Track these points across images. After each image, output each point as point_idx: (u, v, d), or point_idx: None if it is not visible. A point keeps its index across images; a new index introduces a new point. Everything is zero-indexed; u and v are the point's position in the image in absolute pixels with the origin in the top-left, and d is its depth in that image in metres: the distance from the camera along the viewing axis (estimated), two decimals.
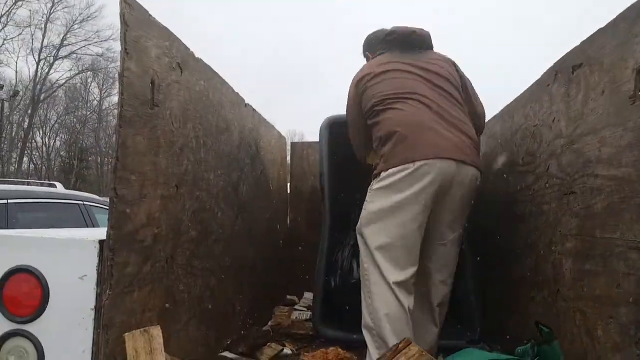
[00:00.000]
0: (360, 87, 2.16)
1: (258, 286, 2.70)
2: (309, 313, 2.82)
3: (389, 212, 1.90)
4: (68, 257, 1.28)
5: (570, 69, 1.49)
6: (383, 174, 1.93)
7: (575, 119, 1.46)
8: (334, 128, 2.62)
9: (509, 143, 2.21)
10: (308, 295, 3.24)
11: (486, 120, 2.61)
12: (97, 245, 1.25)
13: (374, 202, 1.95)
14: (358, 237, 1.99)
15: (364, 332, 1.90)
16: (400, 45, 2.22)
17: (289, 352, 2.25)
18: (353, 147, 2.31)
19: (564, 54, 1.58)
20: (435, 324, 2.01)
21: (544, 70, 1.78)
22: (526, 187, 1.94)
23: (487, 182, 2.46)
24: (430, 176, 1.85)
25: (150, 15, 1.43)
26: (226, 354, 1.90)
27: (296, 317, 2.83)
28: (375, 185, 1.97)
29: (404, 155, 1.90)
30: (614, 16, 1.26)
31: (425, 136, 1.91)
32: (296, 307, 3.10)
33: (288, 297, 3.28)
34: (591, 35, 1.37)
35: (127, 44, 1.28)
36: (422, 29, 2.25)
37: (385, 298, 1.84)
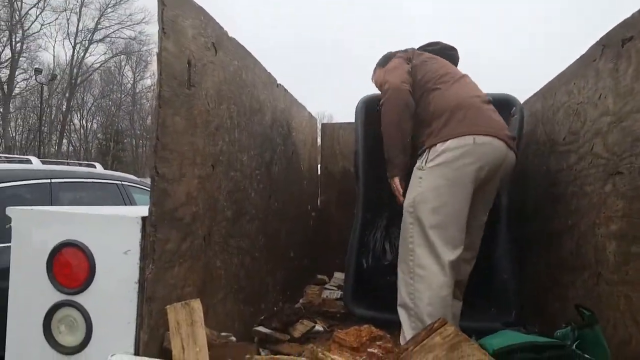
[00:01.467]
0: (411, 61, 2.16)
1: (290, 265, 2.73)
2: (340, 292, 2.84)
3: (446, 190, 1.87)
4: (113, 232, 1.32)
5: (619, 43, 1.41)
6: (439, 147, 1.89)
7: (624, 96, 1.39)
8: (369, 108, 2.59)
9: (550, 121, 2.13)
10: (338, 275, 3.27)
11: (526, 98, 2.54)
12: (140, 222, 1.29)
13: (429, 180, 1.91)
14: (408, 216, 1.95)
15: (400, 311, 1.90)
16: (440, 54, 2.27)
17: (321, 329, 2.28)
18: (390, 129, 2.08)
19: (610, 28, 1.50)
20: (459, 299, 2.05)
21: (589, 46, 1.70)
22: (568, 167, 1.88)
23: (526, 161, 2.40)
24: (488, 154, 1.86)
25: None
26: (260, 328, 1.95)
27: (327, 296, 2.87)
28: (430, 162, 1.92)
29: (462, 129, 1.88)
30: None
31: (483, 113, 1.92)
32: (326, 286, 3.13)
33: (318, 276, 3.32)
34: None
35: (165, 23, 1.29)
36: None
37: (432, 279, 1.83)
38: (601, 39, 1.58)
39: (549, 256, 2.01)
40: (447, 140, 1.87)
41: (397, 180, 2.08)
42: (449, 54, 2.30)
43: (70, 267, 1.34)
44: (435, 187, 1.88)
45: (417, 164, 1.99)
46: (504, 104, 2.14)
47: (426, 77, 2.09)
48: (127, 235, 1.29)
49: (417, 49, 2.36)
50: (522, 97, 2.39)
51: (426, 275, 1.84)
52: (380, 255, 2.72)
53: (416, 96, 2.06)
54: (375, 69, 2.40)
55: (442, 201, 1.87)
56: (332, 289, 3.02)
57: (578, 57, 1.82)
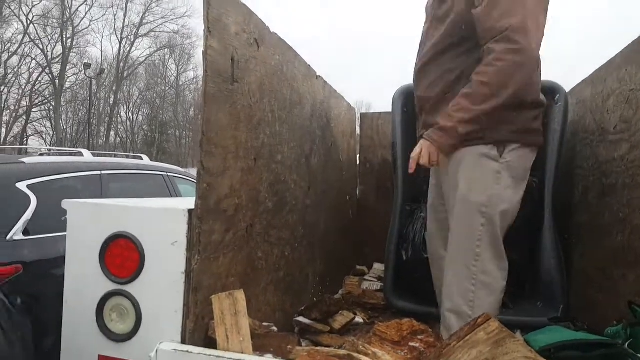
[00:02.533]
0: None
1: (329, 256, 2.76)
2: (379, 284, 2.84)
3: (518, 190, 1.73)
4: (161, 224, 1.38)
5: None
6: (517, 149, 1.70)
7: None
8: (406, 97, 2.56)
9: (600, 109, 2.04)
10: (377, 266, 3.26)
11: (574, 85, 2.41)
12: (187, 214, 1.34)
13: (506, 177, 1.70)
14: (479, 216, 1.70)
15: (450, 315, 1.74)
16: None
17: (361, 320, 2.29)
18: (496, 93, 1.58)
19: None
20: None
21: None
22: (619, 158, 1.80)
23: (574, 151, 2.31)
24: None
25: None
26: (301, 319, 1.98)
27: (366, 288, 2.87)
28: (507, 155, 1.69)
29: (539, 139, 1.76)
30: None
31: None
32: (366, 277, 3.13)
33: (358, 267, 3.33)
34: None
35: (210, 22, 1.33)
36: None
37: (495, 286, 1.71)
38: None
39: (599, 250, 1.94)
40: (530, 146, 1.75)
41: (438, 154, 1.71)
42: None
43: (122, 258, 1.41)
44: (512, 185, 1.71)
45: (486, 150, 1.70)
46: (547, 91, 2.06)
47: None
48: (174, 228, 1.35)
49: None
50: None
51: (490, 283, 1.70)
52: (420, 247, 2.70)
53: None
54: None
55: (514, 202, 1.72)
56: (372, 280, 3.03)
57: (630, 42, 1.74)
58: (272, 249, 1.88)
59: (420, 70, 1.88)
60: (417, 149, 1.76)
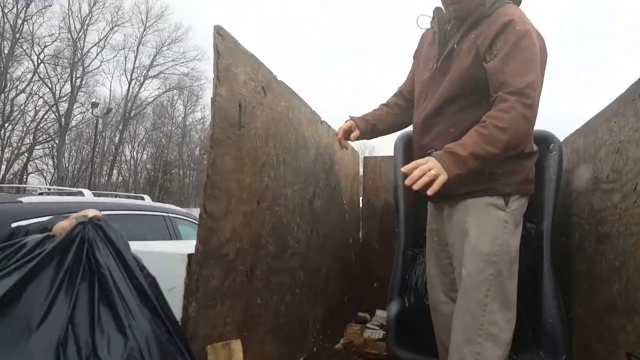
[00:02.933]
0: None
1: (330, 301, 2.71)
2: (382, 332, 2.78)
3: (518, 240, 1.75)
4: (159, 269, 1.36)
5: None
6: (518, 199, 1.75)
7: None
8: (407, 143, 2.59)
9: (593, 159, 2.08)
10: (380, 313, 3.20)
11: (567, 135, 2.46)
12: (186, 259, 1.33)
13: (512, 226, 1.73)
14: (488, 266, 1.68)
15: None
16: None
17: None
18: (505, 140, 1.57)
19: None
20: None
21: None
22: (612, 206, 1.81)
23: (569, 199, 2.32)
24: None
25: (239, 44, 1.53)
26: None
27: (368, 336, 2.80)
28: (512, 204, 1.73)
29: (533, 186, 1.81)
30: None
31: None
32: (368, 325, 3.06)
33: (360, 314, 3.26)
34: None
35: (219, 71, 1.38)
36: None
37: (502, 337, 1.69)
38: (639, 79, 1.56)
39: (597, 298, 1.92)
40: (526, 194, 1.80)
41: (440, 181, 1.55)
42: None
43: None
44: (515, 233, 1.74)
45: (493, 201, 1.72)
46: (542, 140, 2.10)
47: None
48: (173, 273, 1.34)
49: None
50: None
51: (497, 334, 1.68)
52: (423, 294, 2.65)
53: None
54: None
55: (518, 251, 1.76)
56: (374, 328, 2.96)
57: (617, 96, 1.79)
58: (272, 295, 1.85)
59: (425, 121, 1.89)
60: (422, 161, 1.61)
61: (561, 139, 2.31)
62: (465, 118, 1.74)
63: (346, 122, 2.17)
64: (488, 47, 1.67)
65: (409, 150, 2.56)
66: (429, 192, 1.52)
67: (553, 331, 2.09)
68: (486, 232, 1.71)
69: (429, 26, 1.99)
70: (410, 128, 2.53)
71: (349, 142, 2.31)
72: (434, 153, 1.63)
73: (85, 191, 3.80)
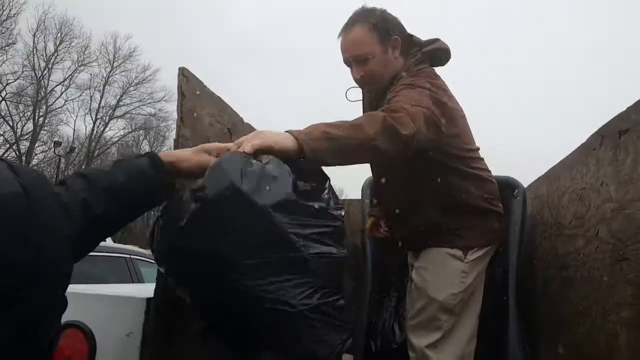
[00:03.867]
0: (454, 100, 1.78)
1: None
2: None
3: (482, 285, 1.81)
4: (117, 314, 1.32)
5: (617, 134, 1.47)
6: (478, 250, 1.80)
7: (625, 184, 1.42)
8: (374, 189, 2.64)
9: (556, 205, 2.15)
10: (346, 358, 3.13)
11: (531, 181, 2.56)
12: (145, 303, 1.29)
13: (472, 276, 1.78)
14: (441, 315, 1.76)
15: None
16: (444, 63, 1.90)
17: None
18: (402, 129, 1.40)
19: (608, 119, 1.56)
20: None
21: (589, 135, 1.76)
22: (576, 251, 1.86)
23: (534, 243, 2.39)
24: None
25: (204, 86, 1.54)
26: None
27: None
28: (471, 255, 1.79)
29: (498, 235, 1.87)
30: None
31: None
32: None
33: None
34: (637, 101, 1.36)
35: (183, 113, 1.38)
36: None
37: None
38: (600, 129, 1.64)
39: (562, 343, 1.94)
40: (491, 245, 1.85)
41: None
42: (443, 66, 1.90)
43: (70, 350, 1.32)
44: (477, 284, 1.80)
45: (452, 252, 1.80)
46: (506, 186, 2.18)
47: (466, 140, 1.83)
48: (131, 317, 1.29)
49: (422, 50, 1.82)
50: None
51: None
52: (390, 338, 2.63)
53: (469, 162, 1.81)
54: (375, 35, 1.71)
55: (478, 299, 1.80)
56: None
57: (579, 145, 1.88)
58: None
59: (378, 184, 2.08)
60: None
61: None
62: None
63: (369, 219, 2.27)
64: None
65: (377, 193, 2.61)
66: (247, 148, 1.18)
67: None
68: (443, 281, 1.77)
69: (359, 98, 2.01)
70: None
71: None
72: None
73: None
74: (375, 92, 1.84)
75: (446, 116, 1.61)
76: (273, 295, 1.06)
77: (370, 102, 1.92)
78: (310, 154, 1.21)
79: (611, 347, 1.50)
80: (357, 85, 1.89)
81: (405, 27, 1.83)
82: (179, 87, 1.39)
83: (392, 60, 1.76)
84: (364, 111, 2.01)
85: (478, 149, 1.96)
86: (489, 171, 1.99)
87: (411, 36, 1.83)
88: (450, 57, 1.90)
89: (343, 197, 4.37)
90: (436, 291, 1.76)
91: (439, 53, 1.85)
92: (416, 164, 1.70)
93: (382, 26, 1.73)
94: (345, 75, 1.87)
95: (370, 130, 1.35)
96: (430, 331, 1.78)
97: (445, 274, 1.78)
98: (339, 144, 1.30)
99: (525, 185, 2.36)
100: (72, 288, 1.51)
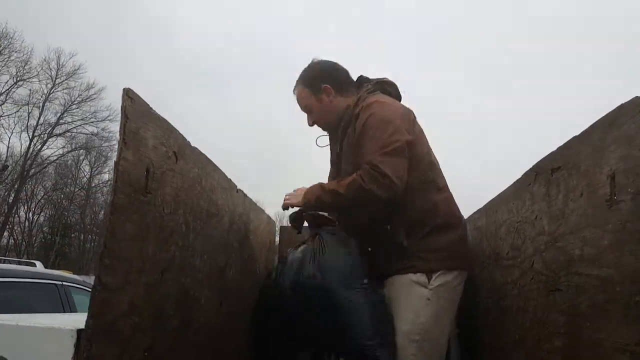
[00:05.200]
0: (410, 125, 1.92)
1: None
2: None
3: (449, 312, 1.82)
4: (43, 347, 1.22)
5: (549, 171, 1.56)
6: (443, 274, 1.82)
7: (557, 218, 1.51)
8: None
9: (494, 237, 2.24)
10: None
11: (470, 213, 2.66)
12: (75, 335, 1.20)
13: (436, 303, 1.79)
14: (409, 346, 1.77)
15: None
16: (394, 97, 2.13)
17: None
18: (384, 189, 1.76)
19: (541, 157, 1.66)
20: None
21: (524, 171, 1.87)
22: (512, 282, 1.94)
23: (473, 274, 2.46)
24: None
25: (150, 108, 1.50)
26: None
27: None
28: (435, 281, 1.80)
29: (466, 260, 1.91)
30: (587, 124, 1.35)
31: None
32: None
33: None
34: (568, 141, 1.46)
35: (126, 135, 1.33)
36: None
37: None
38: (534, 166, 1.74)
39: None
40: (456, 269, 1.88)
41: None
42: (398, 96, 2.15)
43: None
44: (442, 311, 1.80)
45: (416, 278, 1.83)
46: None
47: (428, 158, 1.97)
48: (59, 351, 1.20)
49: (372, 82, 2.11)
50: None
51: None
52: None
53: (413, 182, 1.87)
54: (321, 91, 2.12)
55: (445, 326, 1.81)
56: None
57: (514, 180, 1.98)
58: None
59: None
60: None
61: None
62: None
63: None
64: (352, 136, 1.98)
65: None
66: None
67: None
68: (408, 310, 1.80)
69: (327, 143, 2.31)
70: None
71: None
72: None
73: None
74: (333, 130, 2.17)
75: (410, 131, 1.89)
76: None
77: (333, 139, 2.23)
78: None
79: None
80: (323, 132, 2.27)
81: (344, 70, 2.18)
82: (123, 108, 1.35)
83: (328, 104, 2.09)
84: (331, 149, 2.29)
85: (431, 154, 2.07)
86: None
87: (361, 76, 2.16)
88: (397, 91, 2.15)
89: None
90: (403, 322, 1.80)
91: (386, 86, 2.13)
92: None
93: (312, 82, 2.11)
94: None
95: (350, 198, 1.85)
96: (399, 356, 1.79)
97: (409, 302, 1.81)
98: (326, 205, 2.00)
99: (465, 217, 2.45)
100: None
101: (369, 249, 1.96)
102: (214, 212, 2.14)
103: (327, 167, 2.45)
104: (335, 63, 2.14)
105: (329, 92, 2.08)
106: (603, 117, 1.27)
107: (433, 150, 2.09)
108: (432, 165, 1.99)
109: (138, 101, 1.43)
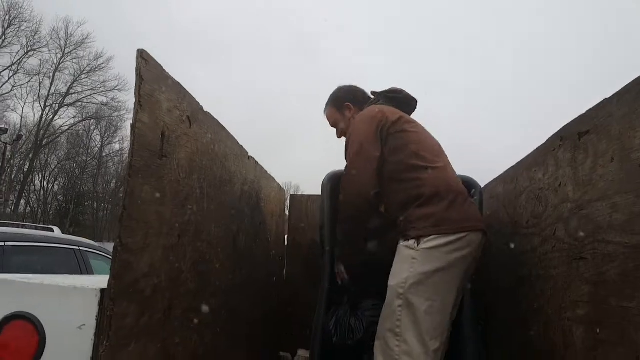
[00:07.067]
0: (385, 124, 2.09)
1: (252, 341, 2.61)
2: None
3: (442, 274, 1.83)
4: (68, 305, 1.23)
5: (576, 136, 1.51)
6: (434, 239, 1.86)
7: (583, 185, 1.46)
8: (335, 182, 2.62)
9: (513, 205, 2.20)
10: (302, 353, 3.12)
11: (487, 182, 2.62)
12: (99, 294, 1.21)
13: (423, 262, 1.84)
14: (395, 298, 1.87)
15: None
16: (403, 107, 2.30)
17: None
18: (355, 186, 2.09)
19: (569, 120, 1.61)
20: None
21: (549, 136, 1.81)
22: (532, 250, 1.92)
23: (489, 242, 2.44)
24: (477, 250, 1.91)
25: (164, 70, 1.46)
26: None
27: None
28: (423, 244, 1.87)
29: (458, 225, 1.88)
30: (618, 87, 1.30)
31: (470, 205, 1.99)
32: None
33: (281, 353, 3.16)
34: (598, 104, 1.41)
35: (142, 97, 1.30)
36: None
37: None
38: (560, 130, 1.69)
39: (517, 340, 1.99)
40: (443, 234, 1.87)
41: (341, 267, 2.30)
42: (410, 104, 2.38)
43: (18, 341, 1.22)
44: (431, 271, 1.84)
45: (407, 243, 1.93)
46: (463, 185, 2.21)
47: (412, 148, 2.07)
48: (83, 309, 1.21)
49: (378, 94, 2.39)
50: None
51: None
52: (347, 333, 2.63)
53: (406, 171, 2.03)
54: (332, 108, 2.52)
55: (437, 285, 1.83)
56: None
57: (539, 145, 1.93)
58: (191, 335, 1.73)
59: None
60: None
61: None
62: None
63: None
64: None
65: (336, 189, 2.60)
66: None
67: None
68: (396, 267, 1.93)
69: None
70: (338, 168, 2.60)
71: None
72: None
73: None
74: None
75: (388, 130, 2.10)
76: None
77: None
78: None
79: (567, 343, 1.55)
80: None
81: (362, 90, 2.55)
82: (137, 69, 1.31)
83: (350, 119, 2.45)
84: None
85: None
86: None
87: (372, 91, 2.45)
88: (402, 96, 2.35)
89: (300, 193, 4.36)
90: (391, 278, 1.93)
91: (389, 94, 2.36)
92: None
93: (336, 101, 2.53)
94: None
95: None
96: (388, 316, 1.89)
97: (398, 261, 1.94)
98: (343, 232, 2.32)
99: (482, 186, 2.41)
100: (23, 278, 1.41)
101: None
102: (227, 179, 2.13)
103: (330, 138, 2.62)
104: (355, 86, 2.59)
105: (350, 109, 2.49)
106: (637, 77, 1.22)
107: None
108: (416, 154, 2.06)
109: (152, 63, 1.39)
